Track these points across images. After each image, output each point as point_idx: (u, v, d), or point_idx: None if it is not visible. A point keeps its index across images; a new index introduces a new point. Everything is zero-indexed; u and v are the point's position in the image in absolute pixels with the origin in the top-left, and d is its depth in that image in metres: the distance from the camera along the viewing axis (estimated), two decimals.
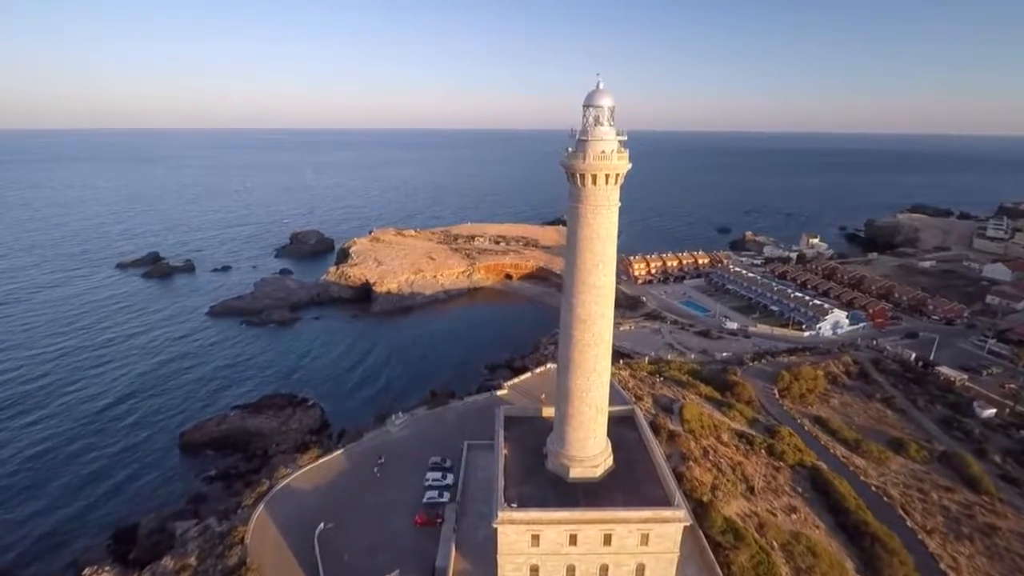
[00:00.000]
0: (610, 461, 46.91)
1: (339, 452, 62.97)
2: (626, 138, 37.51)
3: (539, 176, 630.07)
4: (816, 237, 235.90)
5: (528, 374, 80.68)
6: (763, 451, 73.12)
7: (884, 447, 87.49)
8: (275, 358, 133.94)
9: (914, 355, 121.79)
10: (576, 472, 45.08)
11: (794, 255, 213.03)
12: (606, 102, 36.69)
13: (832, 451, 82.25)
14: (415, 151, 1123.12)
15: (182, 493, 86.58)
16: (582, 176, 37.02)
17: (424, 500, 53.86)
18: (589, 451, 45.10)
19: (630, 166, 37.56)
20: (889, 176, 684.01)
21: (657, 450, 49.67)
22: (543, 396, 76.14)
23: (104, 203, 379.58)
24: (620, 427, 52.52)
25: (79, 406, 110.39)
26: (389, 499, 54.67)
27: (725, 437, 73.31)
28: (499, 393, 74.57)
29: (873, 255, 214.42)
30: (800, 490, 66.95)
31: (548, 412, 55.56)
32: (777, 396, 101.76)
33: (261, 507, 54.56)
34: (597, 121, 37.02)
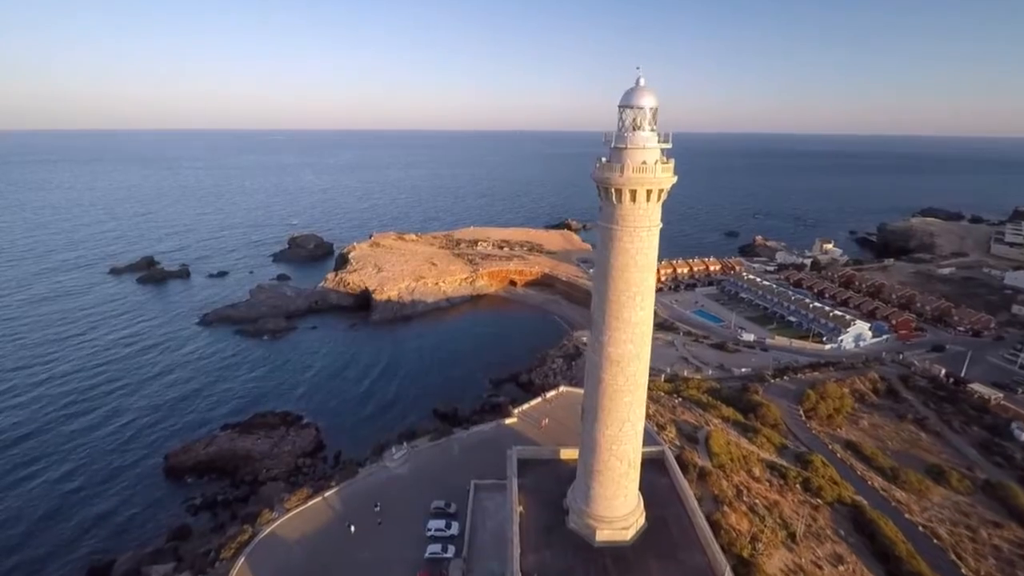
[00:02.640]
0: (642, 520, 40.38)
1: (331, 492, 56.39)
2: (670, 145, 30.97)
3: (543, 178, 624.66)
4: (830, 242, 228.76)
5: (538, 399, 73.94)
6: (798, 486, 66.54)
7: (923, 476, 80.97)
8: (269, 371, 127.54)
9: (943, 371, 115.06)
10: (604, 535, 38.55)
11: (808, 261, 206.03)
12: (647, 102, 30.18)
13: (870, 483, 75.58)
14: (417, 152, 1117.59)
15: (164, 524, 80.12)
16: (618, 192, 30.55)
17: (426, 555, 47.28)
18: (619, 511, 38.58)
19: (675, 179, 31.06)
20: (895, 178, 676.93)
21: (694, 503, 43.17)
22: (545, 421, 69.58)
23: (101, 205, 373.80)
24: (649, 473, 46.01)
25: (59, 424, 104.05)
26: (386, 552, 48.11)
27: (757, 471, 66.68)
28: (507, 421, 67.97)
29: (889, 261, 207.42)
30: (843, 533, 60.24)
31: (567, 454, 49.12)
32: (803, 417, 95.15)
33: (241, 560, 48.07)
34: (636, 125, 30.50)
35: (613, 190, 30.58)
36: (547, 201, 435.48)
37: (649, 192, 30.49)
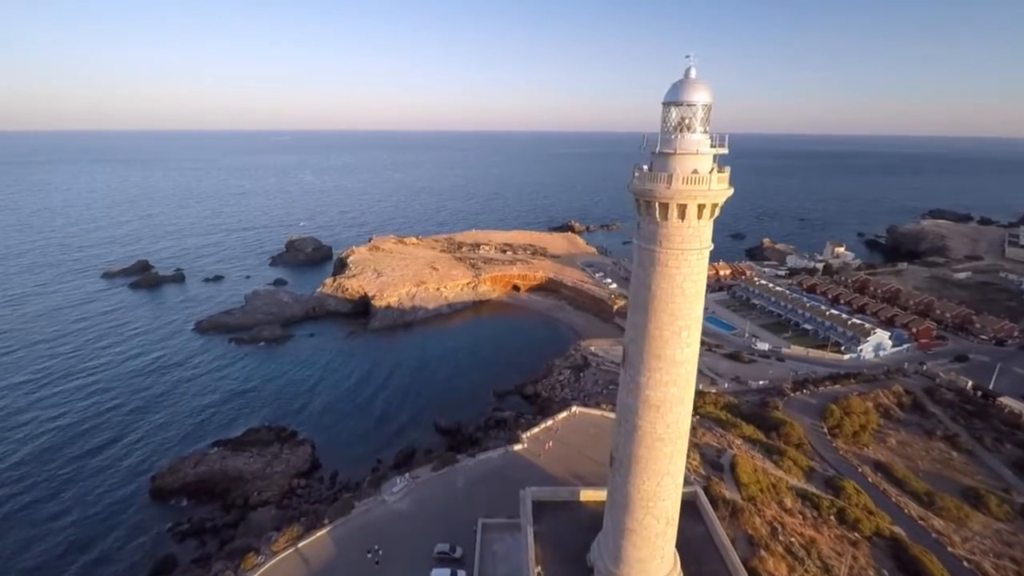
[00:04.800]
0: None
1: (324, 532, 51.03)
2: (727, 150, 25.65)
3: (546, 179, 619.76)
4: (842, 246, 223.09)
5: (549, 421, 68.53)
6: (833, 518, 61.19)
7: (960, 501, 75.72)
8: (263, 383, 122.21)
9: (970, 383, 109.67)
10: None
11: (819, 265, 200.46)
12: (700, 98, 24.82)
13: (905, 510, 70.21)
14: (418, 153, 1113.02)
15: (150, 552, 74.90)
16: (663, 207, 25.19)
17: None
18: (654, 574, 33.20)
19: (731, 192, 25.74)
20: (899, 179, 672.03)
21: (735, 558, 37.82)
22: (549, 445, 64.18)
23: (98, 207, 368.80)
24: (682, 518, 40.60)
25: (42, 443, 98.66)
26: None
27: (788, 502, 61.34)
28: (516, 448, 62.60)
29: (903, 265, 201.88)
30: (886, 573, 54.98)
31: (588, 495, 43.81)
32: (828, 436, 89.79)
33: None
34: (685, 126, 25.14)
35: (657, 204, 25.21)
36: (548, 202, 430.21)
37: (701, 208, 25.16)
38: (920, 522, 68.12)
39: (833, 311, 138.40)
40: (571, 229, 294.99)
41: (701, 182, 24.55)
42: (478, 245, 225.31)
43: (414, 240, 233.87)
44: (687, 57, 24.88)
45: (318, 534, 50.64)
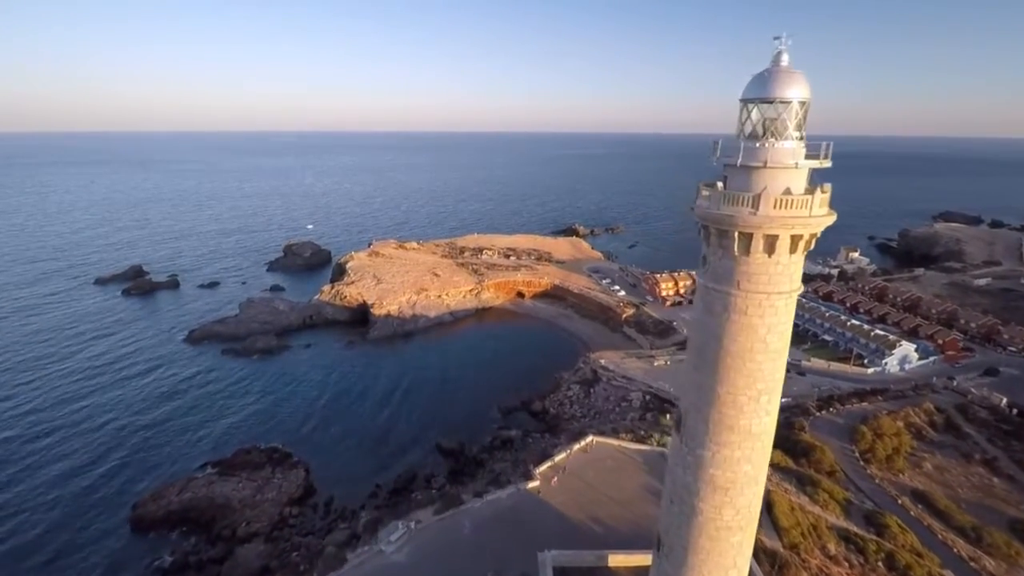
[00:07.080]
0: None
1: None
2: (830, 163, 19.48)
3: (548, 180, 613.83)
4: (856, 250, 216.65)
5: (563, 455, 62.23)
6: (881, 564, 54.97)
7: (1008, 536, 69.48)
8: (256, 399, 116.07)
9: (1004, 399, 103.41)
10: None
11: (834, 271, 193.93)
12: (796, 93, 18.59)
13: (954, 549, 63.93)
14: (419, 155, 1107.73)
15: None
16: (745, 238, 18.97)
17: None
18: None
19: (834, 218, 19.57)
20: (906, 180, 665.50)
21: None
22: (554, 480, 57.79)
23: (95, 210, 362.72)
24: None
25: (16, 468, 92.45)
26: None
27: (831, 546, 55.11)
28: (529, 486, 56.27)
29: (920, 271, 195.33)
30: None
31: (616, 560, 37.61)
32: (859, 461, 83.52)
33: None
34: (774, 131, 18.95)
35: (737, 235, 19.03)
36: (551, 205, 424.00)
37: (796, 239, 18.95)
38: (971, 563, 61.90)
39: (854, 321, 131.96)
40: (575, 233, 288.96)
41: (799, 206, 18.36)
42: (480, 250, 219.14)
43: (415, 245, 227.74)
44: (776, 40, 18.64)
45: None
